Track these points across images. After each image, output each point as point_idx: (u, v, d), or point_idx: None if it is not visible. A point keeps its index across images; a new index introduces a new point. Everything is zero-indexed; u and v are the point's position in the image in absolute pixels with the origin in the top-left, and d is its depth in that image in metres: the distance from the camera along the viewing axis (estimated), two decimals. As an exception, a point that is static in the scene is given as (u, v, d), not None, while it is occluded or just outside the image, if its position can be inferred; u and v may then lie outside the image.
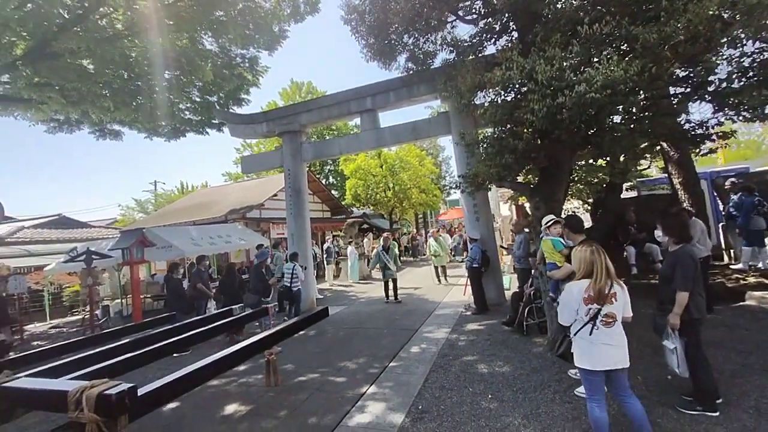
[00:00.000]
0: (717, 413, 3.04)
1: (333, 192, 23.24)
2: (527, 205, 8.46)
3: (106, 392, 1.67)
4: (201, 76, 9.89)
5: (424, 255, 16.95)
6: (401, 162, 20.65)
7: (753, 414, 3.00)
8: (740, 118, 3.90)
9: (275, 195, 16.03)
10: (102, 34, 8.43)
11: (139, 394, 1.76)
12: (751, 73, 3.40)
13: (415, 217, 27.15)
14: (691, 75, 3.67)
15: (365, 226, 21.90)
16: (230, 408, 4.11)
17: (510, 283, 8.64)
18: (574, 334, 2.69)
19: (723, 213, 7.89)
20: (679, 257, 3.15)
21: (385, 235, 11.45)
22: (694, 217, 5.46)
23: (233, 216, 14.53)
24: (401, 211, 22.33)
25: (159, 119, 11.54)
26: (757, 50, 3.28)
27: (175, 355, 5.17)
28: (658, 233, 3.37)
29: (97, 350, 2.95)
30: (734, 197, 6.89)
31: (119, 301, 11.17)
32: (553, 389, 3.77)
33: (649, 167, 9.97)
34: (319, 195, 20.11)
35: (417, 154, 21.78)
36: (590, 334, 2.58)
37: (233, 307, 4.37)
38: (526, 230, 6.66)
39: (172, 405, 4.13)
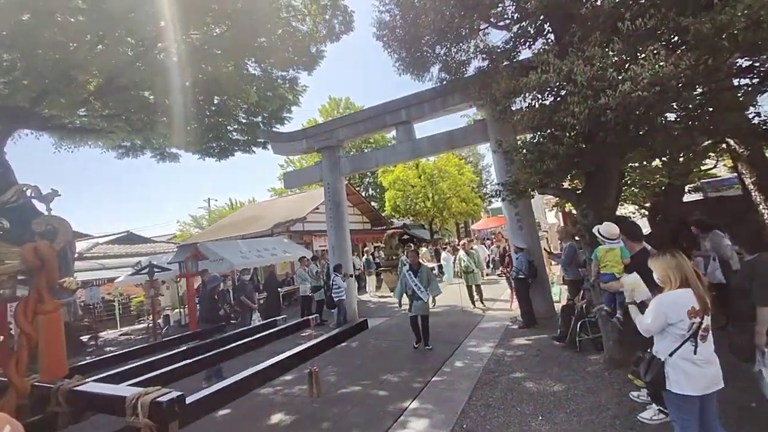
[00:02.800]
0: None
1: (372, 203, 23.53)
2: (575, 212, 8.01)
3: (158, 399, 1.79)
4: (246, 99, 10.56)
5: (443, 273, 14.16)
6: (440, 172, 20.51)
7: None
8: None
9: (317, 208, 16.53)
10: (160, 67, 9.34)
11: (187, 401, 1.86)
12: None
13: (456, 226, 26.67)
14: (756, 64, 3.30)
15: (405, 236, 21.87)
16: (275, 418, 4.22)
17: (560, 295, 8.15)
18: (670, 355, 2.34)
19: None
20: (755, 267, 2.81)
21: (411, 249, 10.28)
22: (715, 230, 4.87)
23: (278, 229, 15.16)
24: (442, 220, 22.06)
25: (210, 141, 12.47)
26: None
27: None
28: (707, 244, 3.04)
29: (156, 358, 3.17)
30: None
31: (178, 310, 12.03)
32: (612, 413, 3.47)
33: (715, 166, 9.04)
34: (359, 207, 20.45)
35: (456, 163, 21.53)
36: (695, 353, 2.27)
37: (277, 318, 4.53)
38: (576, 238, 6.28)
39: (222, 412, 4.33)
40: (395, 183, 20.45)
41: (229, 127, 12.78)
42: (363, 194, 24.54)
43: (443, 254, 14.69)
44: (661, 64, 2.72)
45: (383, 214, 22.56)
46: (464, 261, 9.29)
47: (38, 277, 1.94)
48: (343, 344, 5.64)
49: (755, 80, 3.49)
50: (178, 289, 12.25)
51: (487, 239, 20.23)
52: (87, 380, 2.30)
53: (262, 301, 12.16)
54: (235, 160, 13.77)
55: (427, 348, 6.11)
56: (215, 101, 10.80)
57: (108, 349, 9.68)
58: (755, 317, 2.69)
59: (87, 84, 8.67)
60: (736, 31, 2.81)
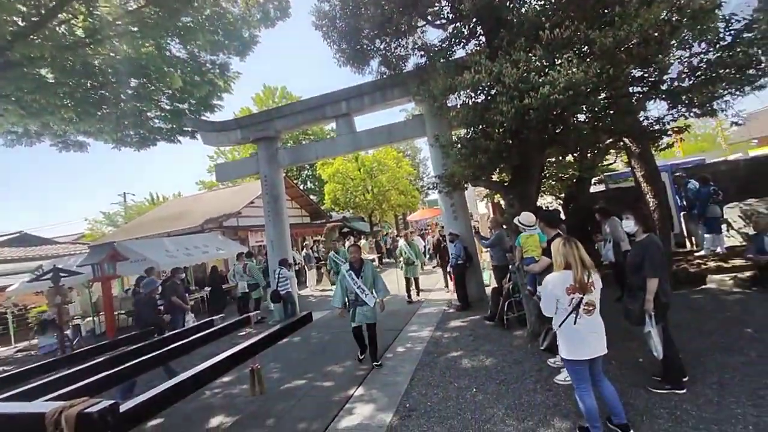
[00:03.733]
0: (684, 390, 3.25)
1: (311, 197, 23.07)
2: (503, 202, 8.72)
3: (86, 410, 1.64)
4: (170, 83, 9.65)
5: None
6: (379, 164, 20.78)
7: (716, 389, 3.22)
8: (691, 114, 4.19)
9: (252, 202, 15.77)
10: (61, 42, 8.10)
11: (121, 410, 1.73)
12: (699, 72, 3.67)
13: (395, 218, 27.31)
14: (646, 75, 3.92)
15: (345, 229, 21.85)
16: (215, 420, 4.03)
17: (490, 279, 8.84)
18: (559, 326, 2.79)
19: (683, 202, 8.42)
20: (646, 246, 3.34)
21: (352, 243, 9.53)
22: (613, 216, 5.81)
23: (210, 225, 14.18)
24: (381, 213, 22.41)
25: (126, 128, 11.17)
26: (703, 51, 3.55)
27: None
28: (627, 223, 3.57)
29: (73, 370, 2.84)
30: (690, 186, 7.38)
31: (90, 319, 10.69)
32: (534, 379, 3.92)
33: (614, 162, 10.49)
34: (297, 200, 19.91)
35: (394, 156, 21.96)
36: (575, 324, 2.69)
37: (214, 318, 4.30)
38: (504, 226, 6.86)
39: (155, 421, 4.02)
40: (335, 176, 20.28)
41: (149, 114, 11.55)
42: (301, 187, 23.93)
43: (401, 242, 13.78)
44: (574, 70, 3.11)
45: (323, 208, 22.27)
46: (405, 252, 8.92)
47: None
48: (285, 340, 5.56)
49: (645, 88, 4.13)
50: (90, 295, 10.88)
51: (423, 230, 21.05)
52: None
53: (206, 298, 11.40)
54: (157, 150, 12.52)
55: (376, 365, 4.91)
56: (132, 84, 9.68)
57: (1, 369, 8.30)
58: (645, 288, 3.23)
59: (-39, 55, 7.21)
60: (631, 46, 3.31)
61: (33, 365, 3.25)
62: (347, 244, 18.29)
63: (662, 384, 3.34)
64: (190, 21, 9.64)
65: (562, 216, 8.23)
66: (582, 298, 2.68)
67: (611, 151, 7.43)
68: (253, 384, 4.30)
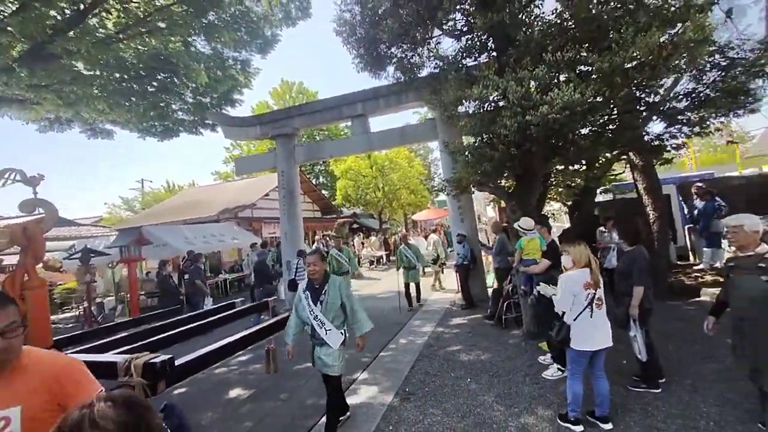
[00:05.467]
0: (659, 390, 3.55)
1: (323, 192, 23.54)
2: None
3: (151, 361, 2.07)
4: (195, 78, 10.13)
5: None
6: (391, 163, 21.09)
7: (689, 390, 3.52)
8: (688, 133, 4.43)
9: (267, 195, 16.29)
10: (96, 37, 8.62)
11: (176, 363, 2.16)
12: (693, 95, 3.92)
13: (404, 217, 27.63)
14: (643, 96, 4.18)
15: (355, 225, 22.29)
16: (234, 392, 4.49)
17: (493, 280, 9.14)
18: (574, 319, 3.05)
19: (688, 216, 8.55)
20: (635, 257, 3.65)
21: (313, 253, 8.16)
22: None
23: (225, 215, 14.75)
24: (391, 211, 22.76)
25: (152, 119, 11.73)
26: (695, 76, 3.79)
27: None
28: (614, 236, 3.88)
29: (118, 336, 3.32)
30: (699, 205, 7.41)
31: (111, 298, 11.33)
32: (523, 373, 4.26)
33: (623, 172, 10.63)
34: (309, 195, 20.41)
35: (406, 155, 22.25)
36: (591, 317, 2.99)
37: (235, 301, 4.75)
38: (505, 231, 7.16)
39: (178, 391, 4.47)
40: (347, 172, 20.68)
41: (174, 106, 12.09)
42: (314, 182, 24.41)
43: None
44: (571, 92, 3.40)
45: (334, 203, 22.73)
46: (405, 256, 8.03)
47: (25, 256, 2.08)
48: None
49: (643, 108, 4.39)
50: (113, 275, 11.51)
51: (430, 230, 21.24)
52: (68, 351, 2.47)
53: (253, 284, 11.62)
54: (174, 140, 13.02)
55: None
56: (159, 77, 10.18)
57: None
58: (631, 294, 3.54)
59: (10, 48, 7.78)
60: (626, 70, 3.58)
61: (75, 333, 3.77)
62: (356, 240, 18.77)
63: (639, 383, 3.64)
64: (216, 19, 10.09)
65: (567, 223, 8.45)
66: (595, 293, 3.00)
67: (621, 160, 7.61)
68: (269, 362, 4.76)
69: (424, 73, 7.19)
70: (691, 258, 8.78)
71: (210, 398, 4.41)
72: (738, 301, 2.68)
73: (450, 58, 5.73)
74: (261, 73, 12.66)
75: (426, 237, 9.83)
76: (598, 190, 9.07)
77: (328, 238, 17.82)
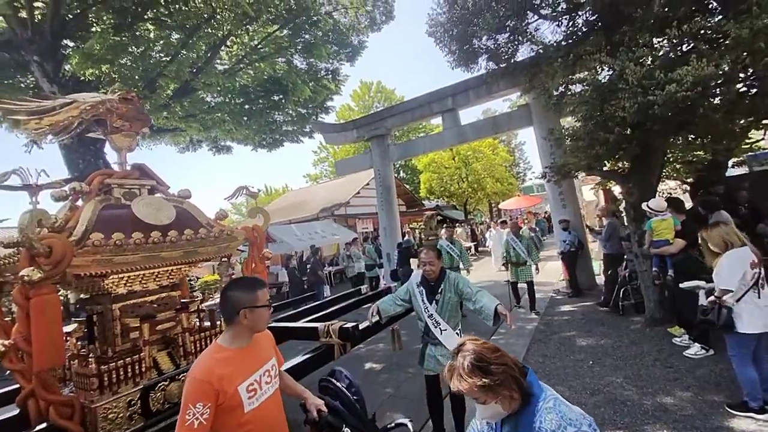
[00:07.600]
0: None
1: (405, 185, 24.23)
2: (616, 189, 8.37)
3: (344, 326, 2.73)
4: (300, 94, 11.44)
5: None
6: (474, 152, 20.79)
7: None
8: None
9: (358, 193, 17.47)
10: (221, 69, 10.32)
11: (360, 328, 2.80)
12: None
13: (489, 206, 26.96)
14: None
15: (439, 217, 22.51)
16: (368, 365, 5.22)
17: (600, 268, 8.66)
18: (737, 301, 2.82)
19: None
20: None
21: (424, 251, 5.93)
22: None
23: (324, 214, 16.26)
24: (476, 201, 22.46)
25: (265, 134, 13.53)
26: None
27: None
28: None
29: (289, 313, 4.19)
30: None
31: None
32: (653, 357, 4.17)
33: (762, 139, 9.02)
34: (395, 189, 21.21)
35: (490, 143, 21.69)
36: (759, 297, 2.77)
37: (360, 287, 5.51)
38: (616, 215, 6.79)
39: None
40: (430, 165, 20.98)
41: (279, 119, 13.77)
42: (395, 176, 25.23)
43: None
44: (704, 66, 3.23)
45: (418, 196, 23.25)
46: (515, 248, 6.76)
47: (253, 249, 2.90)
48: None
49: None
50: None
51: (513, 223, 20.21)
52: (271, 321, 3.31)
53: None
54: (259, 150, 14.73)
55: None
56: (272, 98, 11.72)
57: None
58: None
59: (166, 88, 9.78)
60: (771, 33, 3.25)
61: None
62: (443, 232, 18.99)
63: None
64: (311, 37, 11.22)
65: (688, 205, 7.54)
66: (760, 272, 2.83)
67: (754, 130, 6.61)
68: (394, 341, 5.40)
69: (519, 57, 7.11)
70: None
71: (352, 370, 5.19)
72: None
73: (551, 42, 5.66)
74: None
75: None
76: (730, 163, 7.89)
77: (418, 231, 18.44)
